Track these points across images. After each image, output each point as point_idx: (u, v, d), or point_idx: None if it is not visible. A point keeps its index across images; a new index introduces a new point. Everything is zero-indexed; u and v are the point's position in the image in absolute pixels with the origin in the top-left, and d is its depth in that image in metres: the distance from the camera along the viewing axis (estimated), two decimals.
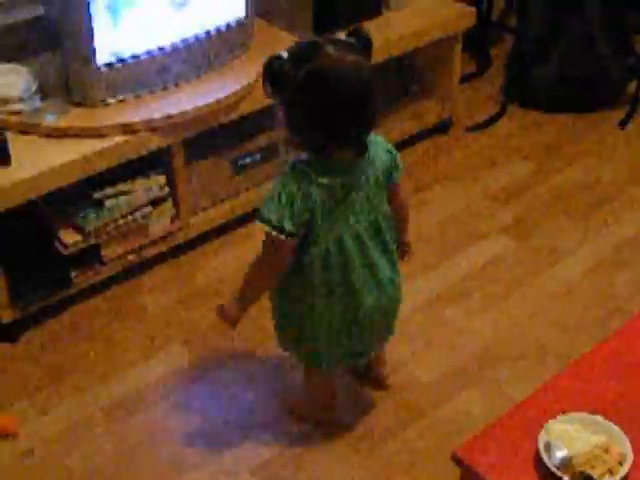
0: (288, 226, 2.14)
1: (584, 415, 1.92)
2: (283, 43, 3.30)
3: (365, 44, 2.15)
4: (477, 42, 4.35)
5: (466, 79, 4.16)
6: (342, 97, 2.07)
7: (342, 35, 2.19)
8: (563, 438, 1.87)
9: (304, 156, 2.18)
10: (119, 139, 2.86)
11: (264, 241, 2.21)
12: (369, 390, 2.74)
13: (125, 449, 2.59)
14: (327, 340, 2.37)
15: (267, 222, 2.15)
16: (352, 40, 2.14)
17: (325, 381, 2.60)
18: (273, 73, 2.10)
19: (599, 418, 1.91)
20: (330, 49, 2.06)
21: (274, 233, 2.15)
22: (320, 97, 2.07)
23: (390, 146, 2.31)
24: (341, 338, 2.37)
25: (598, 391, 2.05)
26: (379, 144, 2.27)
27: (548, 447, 1.87)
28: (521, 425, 1.97)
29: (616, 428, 1.89)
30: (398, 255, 2.44)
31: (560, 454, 1.85)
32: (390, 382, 2.76)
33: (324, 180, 2.14)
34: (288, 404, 2.71)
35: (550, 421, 1.90)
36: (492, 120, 4.02)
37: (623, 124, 3.98)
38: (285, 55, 2.10)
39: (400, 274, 2.42)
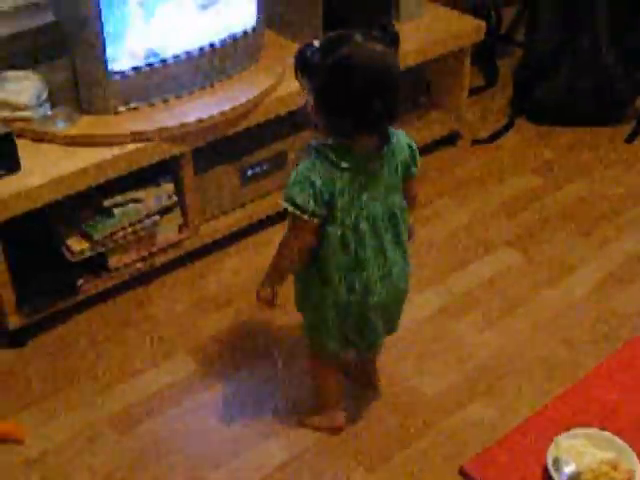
0: (312, 206, 2.20)
1: (593, 431, 1.93)
2: (291, 53, 3.33)
3: (392, 38, 2.20)
4: (485, 55, 4.36)
5: (474, 92, 4.16)
6: (368, 84, 2.11)
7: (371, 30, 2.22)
8: (571, 453, 1.89)
9: (329, 140, 2.24)
10: (129, 147, 2.87)
11: (289, 222, 2.29)
12: (375, 402, 2.74)
13: (132, 457, 2.59)
14: (337, 324, 2.42)
15: (292, 203, 2.21)
16: (380, 34, 2.18)
17: (329, 372, 2.61)
18: (304, 60, 2.19)
19: (607, 434, 1.92)
20: (359, 38, 2.12)
21: (298, 213, 2.22)
22: (347, 83, 2.12)
23: (411, 141, 2.36)
24: (350, 323, 2.42)
25: (606, 407, 2.06)
26: (401, 137, 2.32)
27: (556, 462, 1.88)
28: (529, 440, 1.98)
29: (624, 445, 1.90)
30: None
31: (568, 469, 1.87)
32: (380, 381, 2.78)
33: (346, 164, 2.20)
34: (298, 416, 2.71)
35: (559, 436, 1.91)
36: (499, 133, 4.03)
37: (630, 139, 3.99)
38: (317, 44, 2.18)
39: (410, 266, 2.45)
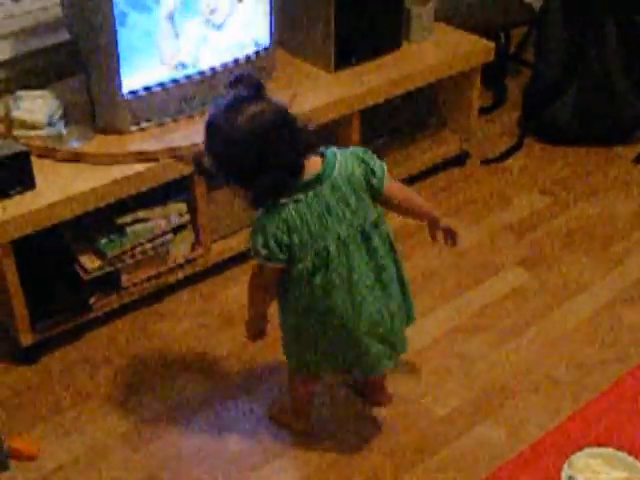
0: (272, 253, 2.25)
1: (607, 450, 1.93)
2: (304, 75, 3.36)
3: (256, 88, 2.22)
4: (494, 75, 4.37)
5: (483, 112, 4.18)
6: (255, 151, 2.16)
7: (231, 90, 2.24)
8: (586, 472, 1.88)
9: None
10: (142, 166, 2.89)
11: (254, 266, 2.37)
12: (386, 421, 2.75)
13: (143, 475, 2.60)
14: (320, 350, 2.45)
15: (255, 252, 2.28)
16: (241, 90, 2.21)
17: (306, 384, 2.63)
18: (205, 169, 2.32)
19: (621, 454, 1.92)
20: (225, 123, 2.17)
21: (262, 261, 2.28)
22: (239, 163, 2.19)
23: (365, 155, 2.33)
24: (337, 348, 2.43)
25: (620, 427, 2.06)
26: (351, 157, 2.31)
27: None
28: (543, 459, 1.98)
29: (638, 464, 1.90)
30: (441, 238, 2.55)
31: None
32: (387, 399, 2.80)
33: (297, 196, 2.22)
34: (270, 410, 2.78)
35: (573, 455, 1.91)
36: (508, 153, 4.04)
37: (639, 159, 4.00)
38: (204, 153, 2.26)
39: (394, 296, 2.43)
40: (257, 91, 2.21)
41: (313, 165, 2.25)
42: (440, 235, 2.58)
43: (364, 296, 2.35)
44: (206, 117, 2.24)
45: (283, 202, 2.22)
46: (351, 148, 2.36)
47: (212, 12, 2.99)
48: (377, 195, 2.34)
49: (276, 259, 2.26)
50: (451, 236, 2.57)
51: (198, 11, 2.96)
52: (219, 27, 3.03)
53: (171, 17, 2.90)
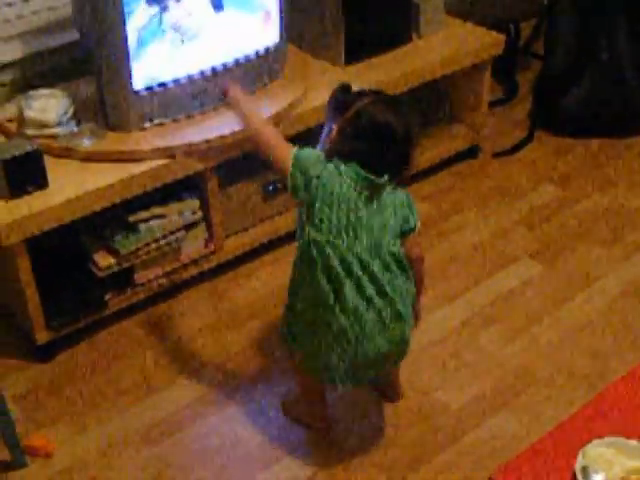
0: (302, 163, 2.35)
1: (620, 440, 1.94)
2: (315, 70, 3.37)
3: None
4: (504, 68, 4.37)
5: (493, 105, 4.18)
6: (377, 137, 2.32)
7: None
8: (600, 462, 1.89)
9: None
10: (154, 163, 2.90)
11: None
12: (400, 414, 2.76)
13: (157, 472, 2.61)
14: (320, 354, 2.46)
15: (296, 149, 2.38)
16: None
17: (312, 379, 2.62)
18: (336, 100, 2.42)
19: (635, 443, 1.92)
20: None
21: (294, 150, 2.38)
22: (359, 134, 2.33)
23: (410, 198, 2.45)
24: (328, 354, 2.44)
25: (634, 417, 2.06)
26: (402, 197, 2.42)
27: (585, 471, 1.88)
28: (557, 449, 1.99)
29: None
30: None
31: (597, 478, 1.87)
32: (398, 398, 2.80)
33: (348, 179, 2.31)
34: (283, 405, 2.78)
35: (587, 445, 1.91)
36: (519, 146, 4.04)
37: None
38: (354, 90, 2.42)
39: (389, 317, 2.42)
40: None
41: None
42: None
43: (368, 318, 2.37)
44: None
45: (346, 177, 2.31)
46: (403, 191, 2.45)
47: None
48: (402, 239, 2.42)
49: (294, 175, 2.34)
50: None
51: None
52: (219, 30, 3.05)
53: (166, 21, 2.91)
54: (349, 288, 2.32)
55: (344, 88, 2.42)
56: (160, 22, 2.87)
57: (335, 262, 2.31)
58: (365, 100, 2.35)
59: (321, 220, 2.31)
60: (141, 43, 2.86)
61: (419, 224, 2.45)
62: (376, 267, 2.34)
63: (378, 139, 2.32)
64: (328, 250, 2.31)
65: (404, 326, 2.42)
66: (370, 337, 2.36)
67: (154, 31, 2.87)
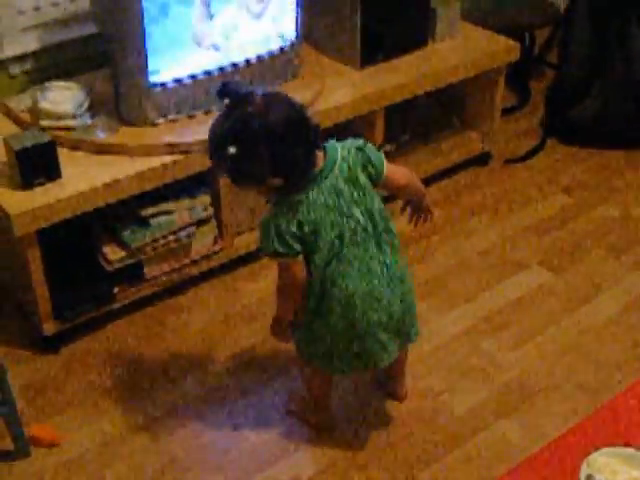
0: (286, 247, 2.26)
1: (625, 449, 1.93)
2: (331, 71, 3.37)
3: (232, 93, 2.24)
4: (518, 76, 4.37)
5: (506, 112, 4.18)
6: (278, 137, 2.16)
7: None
8: (605, 472, 1.88)
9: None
10: (167, 159, 2.90)
11: (278, 270, 2.36)
12: (404, 417, 2.76)
13: (162, 465, 2.62)
14: (333, 347, 2.45)
15: (270, 253, 2.29)
16: (225, 101, 2.25)
17: (320, 376, 2.63)
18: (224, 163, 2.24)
19: None
20: (256, 102, 2.17)
21: (280, 259, 2.30)
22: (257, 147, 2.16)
23: (365, 147, 2.35)
24: (345, 343, 2.43)
25: (639, 426, 2.06)
26: (352, 147, 2.33)
27: None
28: (562, 458, 1.98)
29: None
30: (421, 219, 2.56)
31: None
32: (403, 397, 2.80)
33: (306, 191, 2.25)
34: (288, 404, 2.79)
35: (592, 454, 1.91)
36: (531, 153, 4.04)
37: None
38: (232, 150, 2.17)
39: (404, 276, 2.45)
40: (240, 98, 2.22)
41: (318, 159, 2.28)
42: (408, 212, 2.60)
43: (377, 283, 2.37)
44: (216, 133, 2.24)
45: (295, 199, 2.24)
46: (350, 140, 2.37)
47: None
48: (376, 184, 2.37)
49: (295, 252, 2.28)
50: (427, 216, 2.60)
51: None
52: (258, 16, 3.06)
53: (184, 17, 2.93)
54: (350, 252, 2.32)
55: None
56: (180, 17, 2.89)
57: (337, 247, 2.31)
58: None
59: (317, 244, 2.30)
60: (158, 38, 2.86)
61: (384, 164, 2.35)
62: (374, 232, 2.35)
63: (274, 145, 2.15)
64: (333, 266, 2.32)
65: (406, 288, 2.44)
66: (374, 299, 2.37)
67: (169, 26, 2.88)
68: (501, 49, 3.68)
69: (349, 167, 2.30)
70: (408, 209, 2.59)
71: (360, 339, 2.41)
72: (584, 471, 1.89)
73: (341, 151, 2.31)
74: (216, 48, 3.03)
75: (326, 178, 2.27)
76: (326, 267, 2.33)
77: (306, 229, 2.26)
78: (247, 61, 3.09)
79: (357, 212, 2.31)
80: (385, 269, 2.38)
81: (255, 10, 3.05)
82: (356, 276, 2.34)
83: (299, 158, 2.20)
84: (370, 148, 2.36)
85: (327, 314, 2.39)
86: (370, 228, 2.34)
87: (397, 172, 2.43)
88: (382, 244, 2.37)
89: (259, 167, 2.18)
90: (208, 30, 2.98)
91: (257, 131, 2.14)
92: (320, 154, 2.28)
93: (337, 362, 2.48)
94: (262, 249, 2.33)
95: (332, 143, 2.33)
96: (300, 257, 2.30)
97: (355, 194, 2.31)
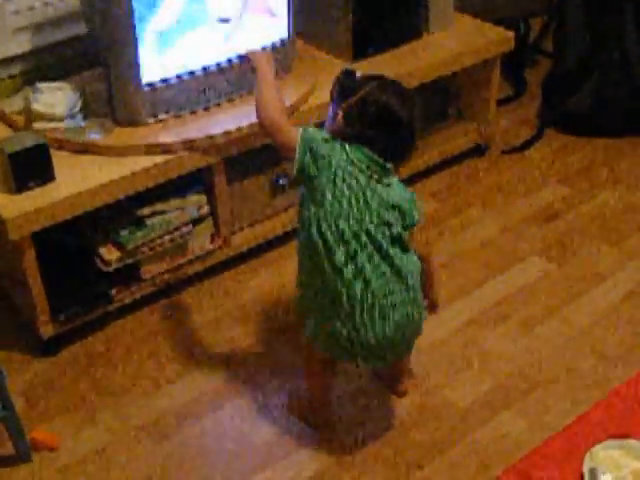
0: (309, 140, 2.34)
1: (628, 442, 1.93)
2: (324, 65, 3.35)
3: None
4: (514, 65, 4.36)
5: (502, 102, 4.17)
6: (382, 122, 2.33)
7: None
8: (608, 464, 1.88)
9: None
10: (161, 158, 2.89)
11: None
12: (406, 412, 2.75)
13: (164, 467, 2.60)
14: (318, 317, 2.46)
15: (303, 128, 2.38)
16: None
17: (320, 372, 2.62)
18: (341, 85, 2.42)
19: None
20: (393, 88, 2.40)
21: (300, 130, 2.36)
22: (365, 118, 2.34)
23: (414, 199, 2.43)
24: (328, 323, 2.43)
25: None
26: (403, 187, 2.42)
27: (593, 473, 1.88)
28: (565, 450, 1.98)
29: None
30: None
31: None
32: (404, 393, 2.79)
33: (355, 158, 2.31)
34: (288, 403, 2.78)
35: (595, 447, 1.91)
36: (528, 143, 4.03)
37: None
38: (358, 75, 2.42)
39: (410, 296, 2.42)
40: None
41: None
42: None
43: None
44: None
45: (351, 156, 2.31)
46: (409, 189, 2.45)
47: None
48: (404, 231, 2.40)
49: (302, 154, 2.33)
50: (432, 307, 2.63)
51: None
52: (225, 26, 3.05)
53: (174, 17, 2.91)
54: (361, 258, 2.32)
55: (348, 73, 2.43)
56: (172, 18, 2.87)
57: (340, 235, 2.31)
58: (370, 85, 2.37)
59: (324, 195, 2.31)
60: (148, 38, 2.85)
61: (421, 219, 2.42)
62: (385, 242, 2.33)
63: (383, 124, 2.33)
64: (332, 226, 2.32)
65: (413, 298, 2.42)
66: (381, 306, 2.35)
67: (160, 27, 2.87)
68: (495, 39, 3.66)
69: (398, 195, 2.37)
70: None
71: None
72: (587, 464, 1.89)
73: (404, 190, 2.40)
74: (185, 67, 3.01)
75: (385, 172, 2.34)
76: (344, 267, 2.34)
77: (323, 162, 2.31)
78: (239, 58, 3.06)
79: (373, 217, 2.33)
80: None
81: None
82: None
83: (391, 141, 2.33)
84: (416, 206, 2.41)
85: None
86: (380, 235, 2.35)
87: (420, 237, 2.48)
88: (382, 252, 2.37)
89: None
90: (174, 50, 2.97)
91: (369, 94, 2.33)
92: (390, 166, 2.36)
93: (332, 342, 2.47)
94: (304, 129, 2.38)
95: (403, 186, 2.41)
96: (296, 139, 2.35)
97: (382, 213, 2.34)
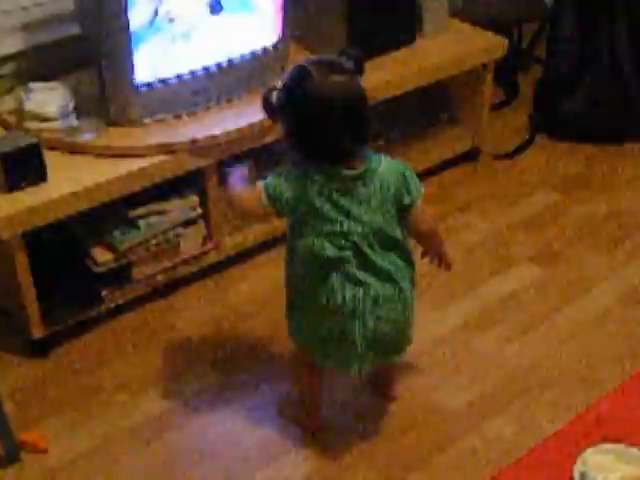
0: (274, 199, 2.32)
1: (619, 447, 1.93)
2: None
3: (356, 63, 2.30)
4: (506, 71, 4.36)
5: (494, 108, 4.17)
6: (332, 114, 2.22)
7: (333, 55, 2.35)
8: (599, 469, 1.88)
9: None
10: (155, 159, 2.88)
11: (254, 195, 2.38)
12: (396, 416, 2.74)
13: (154, 468, 2.60)
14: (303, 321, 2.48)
15: (264, 183, 2.34)
16: (342, 59, 2.30)
17: (310, 374, 2.62)
18: (270, 104, 2.35)
19: (635, 451, 1.92)
20: (317, 73, 2.23)
21: (263, 194, 2.33)
22: (312, 117, 2.25)
23: (406, 171, 2.36)
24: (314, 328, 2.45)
25: (632, 423, 2.05)
26: (393, 166, 2.35)
27: (584, 478, 1.88)
28: (556, 455, 1.98)
29: None
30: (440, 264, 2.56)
31: None
32: (394, 397, 2.78)
33: (318, 177, 2.28)
34: (279, 405, 2.77)
35: (586, 451, 1.91)
36: (520, 149, 4.03)
37: None
38: (279, 85, 2.33)
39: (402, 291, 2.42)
40: (358, 68, 2.29)
41: (358, 163, 2.29)
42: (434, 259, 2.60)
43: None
44: (302, 61, 2.30)
45: (315, 178, 2.27)
46: (398, 161, 2.39)
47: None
48: (404, 214, 2.37)
49: (276, 207, 2.34)
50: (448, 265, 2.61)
51: None
52: (230, 19, 3.04)
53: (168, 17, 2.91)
54: (343, 272, 2.33)
55: (269, 90, 2.36)
56: (163, 17, 2.87)
57: (326, 251, 2.32)
58: (291, 82, 2.30)
59: (307, 225, 2.32)
60: (142, 38, 2.85)
61: (419, 199, 2.37)
62: (370, 251, 2.33)
63: (324, 114, 2.23)
64: (316, 248, 2.32)
65: (401, 297, 2.42)
66: (368, 312, 2.36)
67: (154, 27, 2.87)
68: (489, 45, 3.67)
69: (383, 186, 2.31)
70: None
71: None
72: (578, 468, 1.89)
73: (384, 165, 2.33)
74: (181, 67, 3.01)
75: (356, 183, 2.29)
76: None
77: (304, 195, 2.29)
78: (234, 60, 3.07)
79: (359, 227, 2.31)
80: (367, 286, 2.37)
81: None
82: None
83: (344, 139, 2.23)
84: (412, 176, 2.37)
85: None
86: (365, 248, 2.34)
87: (423, 215, 2.42)
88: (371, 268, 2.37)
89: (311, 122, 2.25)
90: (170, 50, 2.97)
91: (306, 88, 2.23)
92: (362, 160, 2.30)
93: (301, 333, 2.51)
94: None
95: (378, 155, 2.34)
96: (269, 209, 2.35)
97: (372, 207, 2.31)
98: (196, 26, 2.96)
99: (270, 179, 2.34)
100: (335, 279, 2.33)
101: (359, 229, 2.30)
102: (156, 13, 2.84)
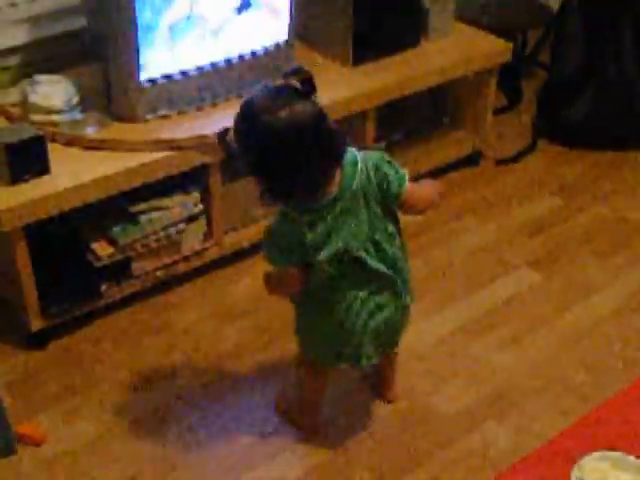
0: (288, 259, 2.29)
1: (616, 454, 1.93)
2: (322, 68, 3.35)
3: (303, 80, 2.17)
4: (509, 76, 4.36)
5: (497, 112, 4.17)
6: (287, 151, 2.12)
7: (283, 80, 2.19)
8: (595, 476, 1.88)
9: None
10: (157, 155, 2.89)
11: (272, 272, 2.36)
12: (391, 418, 2.75)
13: (146, 464, 2.60)
14: (316, 338, 2.49)
15: (271, 260, 2.32)
16: (291, 81, 2.16)
17: (315, 378, 2.62)
18: (227, 145, 2.30)
19: (632, 459, 1.91)
20: (260, 112, 2.11)
21: (278, 268, 2.33)
22: (269, 154, 2.14)
23: (380, 161, 2.29)
24: (327, 341, 2.46)
25: (630, 430, 2.05)
26: (371, 164, 2.27)
27: None
28: (551, 462, 1.97)
29: None
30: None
31: None
32: (393, 398, 2.79)
33: (307, 217, 2.23)
34: (277, 404, 2.77)
35: (583, 458, 1.90)
36: (522, 154, 4.03)
37: None
38: (230, 127, 2.23)
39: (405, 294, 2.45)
40: (308, 89, 2.16)
41: (333, 183, 2.23)
42: None
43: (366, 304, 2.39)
44: (247, 97, 2.19)
45: (294, 217, 2.24)
46: (371, 153, 2.31)
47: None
48: (392, 204, 2.32)
49: (295, 262, 2.30)
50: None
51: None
52: (239, 15, 3.05)
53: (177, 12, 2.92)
54: (347, 282, 2.34)
55: (224, 130, 2.31)
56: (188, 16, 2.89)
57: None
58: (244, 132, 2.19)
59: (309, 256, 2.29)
60: (149, 34, 2.85)
61: (404, 187, 2.28)
62: (369, 257, 2.32)
63: (282, 151, 2.12)
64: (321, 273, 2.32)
65: (400, 293, 2.44)
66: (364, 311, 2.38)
67: (162, 22, 2.87)
68: (494, 49, 3.67)
69: (364, 187, 2.25)
70: None
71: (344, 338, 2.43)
72: (575, 475, 1.88)
73: (361, 166, 2.24)
74: (187, 63, 3.01)
75: (336, 204, 2.23)
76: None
77: (308, 243, 2.25)
78: (239, 58, 3.07)
79: (362, 238, 2.30)
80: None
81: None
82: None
83: (312, 169, 2.16)
84: (391, 166, 2.30)
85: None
86: (373, 254, 2.34)
87: (418, 193, 2.35)
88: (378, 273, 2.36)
89: (272, 159, 2.15)
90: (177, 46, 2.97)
91: (258, 122, 2.12)
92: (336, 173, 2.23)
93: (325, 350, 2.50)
94: (265, 255, 2.34)
95: (351, 156, 2.25)
96: (297, 266, 2.30)
97: (362, 218, 2.28)
98: (208, 23, 2.97)
99: (268, 254, 2.32)
100: (344, 293, 2.35)
101: (354, 243, 2.29)
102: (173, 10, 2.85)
